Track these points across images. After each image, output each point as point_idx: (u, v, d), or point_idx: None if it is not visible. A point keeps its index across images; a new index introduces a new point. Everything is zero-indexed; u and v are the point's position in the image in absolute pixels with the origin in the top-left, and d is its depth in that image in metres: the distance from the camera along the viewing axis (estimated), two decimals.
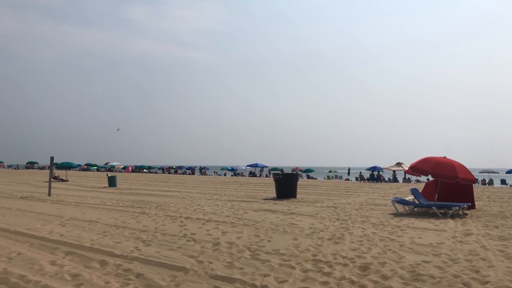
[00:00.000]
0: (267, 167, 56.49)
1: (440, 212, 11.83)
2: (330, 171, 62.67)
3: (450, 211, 11.65)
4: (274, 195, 18.20)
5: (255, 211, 12.48)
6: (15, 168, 79.86)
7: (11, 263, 6.05)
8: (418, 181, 39.71)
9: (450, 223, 10.06)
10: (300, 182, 27.02)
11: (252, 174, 54.93)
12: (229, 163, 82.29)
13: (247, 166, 56.97)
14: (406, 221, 10.40)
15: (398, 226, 9.47)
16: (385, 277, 5.21)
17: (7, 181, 31.94)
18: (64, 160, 43.30)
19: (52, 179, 19.73)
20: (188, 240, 7.70)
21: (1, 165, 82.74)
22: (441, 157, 12.82)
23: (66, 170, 43.18)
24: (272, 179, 19.24)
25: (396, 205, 12.70)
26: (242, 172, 59.51)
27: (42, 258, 6.37)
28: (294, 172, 25.12)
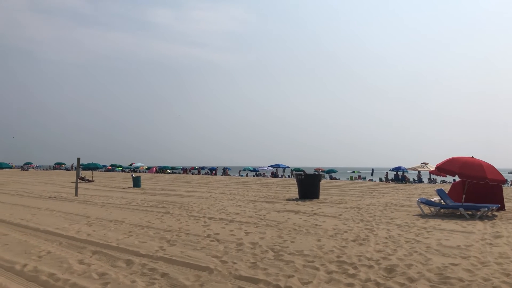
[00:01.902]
0: (289, 167, 56.30)
1: (468, 214, 11.53)
2: (353, 172, 62.08)
3: (478, 213, 11.34)
4: (297, 195, 18.13)
5: (277, 211, 12.46)
6: (44, 169, 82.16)
7: (41, 262, 6.23)
8: (444, 181, 38.86)
9: (479, 225, 9.79)
10: (323, 182, 26.83)
11: (274, 175, 54.84)
12: (244, 165, 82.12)
13: (269, 166, 56.92)
14: (432, 222, 10.19)
15: (424, 228, 9.28)
16: (411, 280, 5.11)
17: (36, 181, 32.89)
18: (90, 161, 44.31)
19: (78, 180, 20.21)
20: (211, 240, 7.75)
21: (30, 166, 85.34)
22: (469, 157, 12.50)
23: (92, 171, 44.13)
24: (294, 179, 19.17)
25: (422, 206, 12.46)
26: (263, 173, 59.51)
27: (70, 257, 6.53)
28: (317, 173, 24.95)
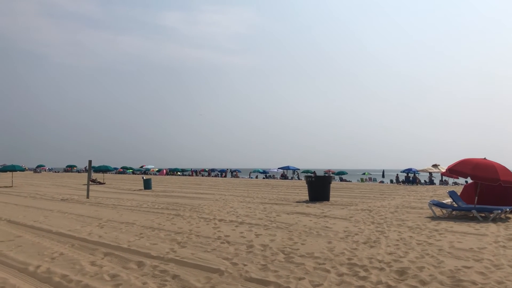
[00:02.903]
0: (299, 169, 56.18)
1: (481, 216, 11.39)
2: (364, 174, 61.67)
3: (491, 215, 11.19)
4: (307, 197, 18.07)
5: (288, 213, 12.44)
6: (56, 172, 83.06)
7: (54, 263, 6.30)
8: (455, 183, 38.42)
9: (492, 227, 9.67)
10: (333, 184, 26.71)
11: (283, 177, 54.76)
12: (254, 167, 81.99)
13: (278, 168, 56.84)
14: (444, 224, 10.08)
15: (436, 230, 9.19)
16: (423, 282, 5.06)
17: (49, 183, 33.28)
18: (101, 164, 44.66)
19: (90, 182, 20.40)
20: (222, 242, 7.77)
21: (42, 168, 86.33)
22: (481, 158, 12.35)
23: (103, 173, 44.48)
24: (304, 181, 19.12)
25: (434, 208, 12.34)
26: (273, 175, 59.44)
27: (83, 258, 6.60)
28: (327, 175, 24.86)
